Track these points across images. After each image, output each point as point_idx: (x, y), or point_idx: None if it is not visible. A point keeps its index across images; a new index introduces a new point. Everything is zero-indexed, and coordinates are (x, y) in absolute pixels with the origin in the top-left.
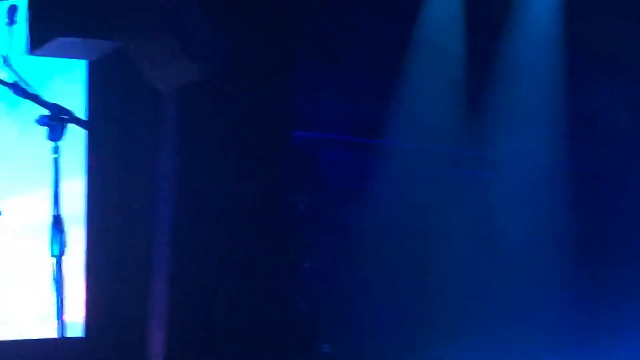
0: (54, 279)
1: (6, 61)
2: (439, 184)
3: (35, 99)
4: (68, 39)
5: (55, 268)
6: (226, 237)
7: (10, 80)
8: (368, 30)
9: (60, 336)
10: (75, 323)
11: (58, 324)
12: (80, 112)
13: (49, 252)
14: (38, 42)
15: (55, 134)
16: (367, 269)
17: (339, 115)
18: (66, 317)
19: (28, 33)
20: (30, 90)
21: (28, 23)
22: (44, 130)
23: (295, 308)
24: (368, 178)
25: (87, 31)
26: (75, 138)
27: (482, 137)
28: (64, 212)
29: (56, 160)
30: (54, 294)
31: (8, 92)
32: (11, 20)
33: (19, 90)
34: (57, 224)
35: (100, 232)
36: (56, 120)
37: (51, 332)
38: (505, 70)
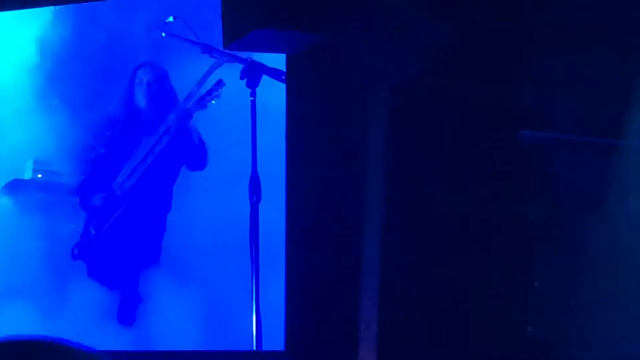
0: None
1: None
2: None
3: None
4: (264, 31)
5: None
6: (444, 251)
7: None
8: (611, 11)
9: (256, 349)
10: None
11: (255, 336)
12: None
13: None
14: (233, 35)
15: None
16: (607, 288)
17: (572, 112)
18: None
19: (223, 26)
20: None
21: (222, 15)
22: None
23: (523, 332)
24: (607, 184)
25: (285, 23)
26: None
27: None
28: None
29: None
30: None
31: None
32: None
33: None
34: None
35: (301, 243)
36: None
37: (248, 345)
38: None
